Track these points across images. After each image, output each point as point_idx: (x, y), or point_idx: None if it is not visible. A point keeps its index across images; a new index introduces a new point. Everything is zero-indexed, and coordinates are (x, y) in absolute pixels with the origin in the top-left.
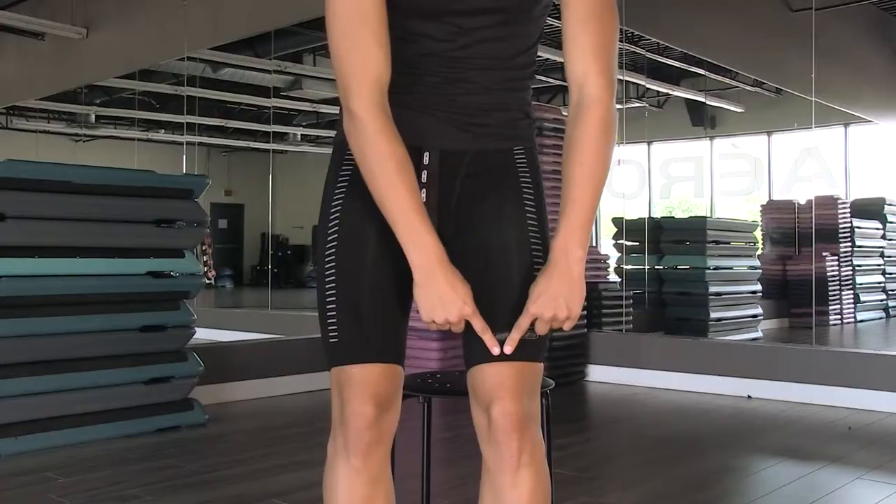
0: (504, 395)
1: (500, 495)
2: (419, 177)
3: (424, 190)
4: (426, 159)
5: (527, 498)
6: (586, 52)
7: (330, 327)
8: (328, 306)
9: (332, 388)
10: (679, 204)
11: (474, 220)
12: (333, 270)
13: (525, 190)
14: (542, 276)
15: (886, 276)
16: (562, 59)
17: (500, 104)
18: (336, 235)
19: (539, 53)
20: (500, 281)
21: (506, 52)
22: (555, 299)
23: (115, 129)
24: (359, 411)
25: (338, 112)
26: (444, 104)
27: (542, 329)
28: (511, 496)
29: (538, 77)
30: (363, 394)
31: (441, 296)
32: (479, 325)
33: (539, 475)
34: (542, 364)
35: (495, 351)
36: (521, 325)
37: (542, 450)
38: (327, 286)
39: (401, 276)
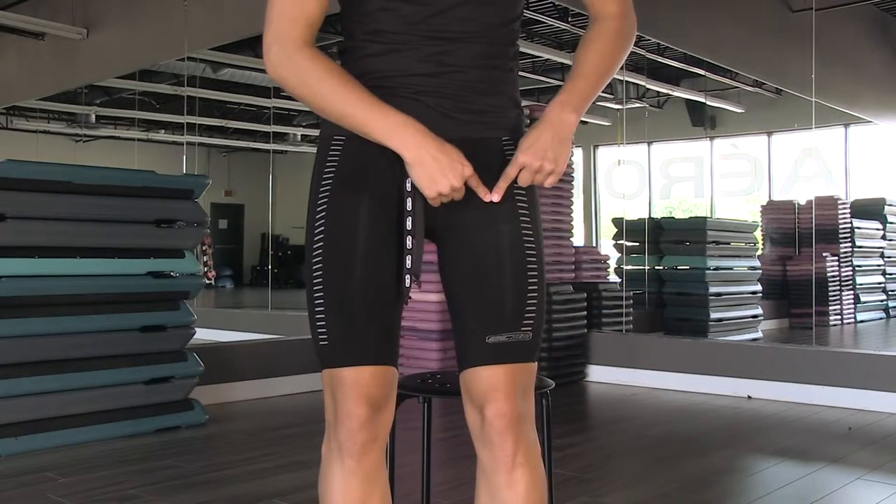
0: (497, 396)
1: (496, 495)
2: (403, 165)
3: (409, 179)
4: None
5: (523, 497)
6: None
7: (319, 329)
8: (317, 307)
9: (324, 389)
10: (679, 204)
11: (465, 219)
12: (320, 270)
13: (516, 185)
14: (534, 129)
15: (886, 276)
16: (561, 60)
17: (486, 85)
18: (322, 234)
19: (538, 53)
20: (493, 283)
21: (485, 18)
22: (544, 151)
23: (115, 129)
24: (352, 412)
25: None
26: (429, 87)
27: (525, 179)
28: (507, 496)
29: (538, 77)
30: (355, 395)
31: (440, 164)
32: (476, 181)
33: (535, 474)
34: (535, 364)
35: (488, 198)
36: (509, 173)
37: (538, 449)
38: (315, 287)
39: (391, 275)
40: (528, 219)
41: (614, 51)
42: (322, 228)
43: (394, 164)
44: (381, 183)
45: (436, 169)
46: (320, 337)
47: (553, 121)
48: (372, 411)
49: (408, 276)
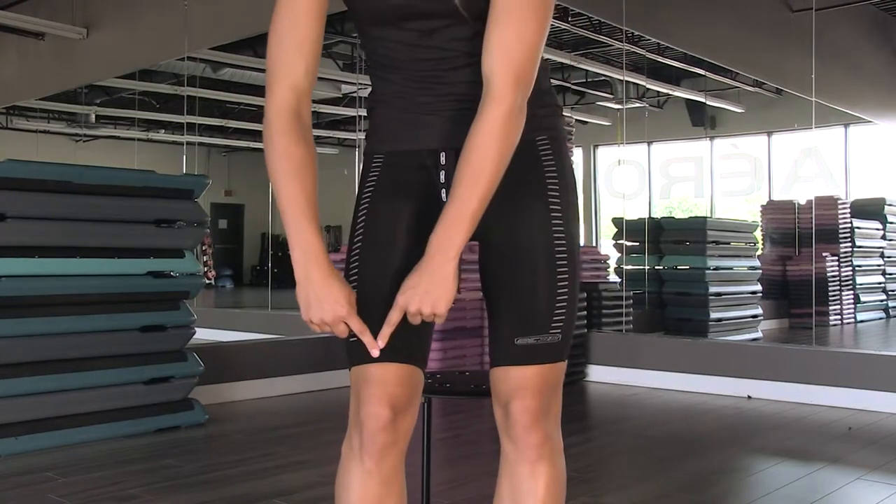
0: (524, 394)
1: (518, 486)
2: (437, 178)
3: (444, 190)
4: (443, 159)
5: (543, 489)
6: (495, 49)
7: None
8: None
9: (351, 389)
10: (679, 204)
11: (499, 221)
12: (357, 269)
13: (550, 184)
14: (415, 270)
15: (886, 276)
16: (561, 60)
17: None
18: (362, 236)
19: None
20: (523, 287)
21: (477, 34)
22: (421, 296)
23: (115, 129)
24: (374, 413)
25: (338, 113)
26: (451, 104)
27: (412, 321)
28: (528, 486)
29: None
30: (379, 395)
31: (317, 295)
32: (358, 327)
33: (556, 469)
34: (564, 363)
35: (374, 353)
36: (391, 318)
37: (560, 445)
38: (350, 283)
39: None
40: (561, 221)
41: (491, 157)
42: (362, 228)
43: (432, 174)
44: (421, 190)
45: (313, 299)
46: (350, 333)
47: (432, 262)
48: (395, 413)
49: None
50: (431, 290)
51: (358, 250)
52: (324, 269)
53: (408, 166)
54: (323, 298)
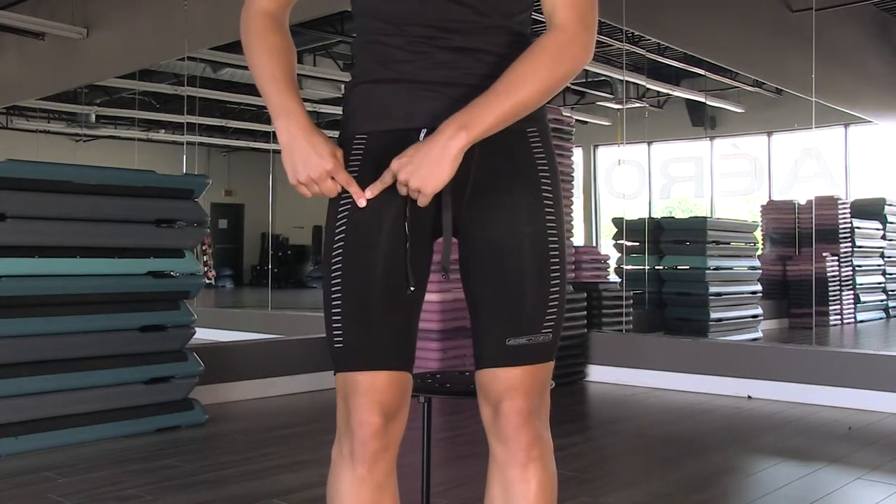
0: (515, 395)
1: (510, 488)
2: None
3: None
4: None
5: (535, 491)
6: None
7: (335, 332)
8: (334, 310)
9: (337, 394)
10: (679, 204)
11: (490, 213)
12: (340, 272)
13: (542, 178)
14: (423, 142)
15: (886, 276)
16: None
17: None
18: (344, 236)
19: None
20: (515, 286)
21: (490, 4)
22: (413, 168)
23: (115, 129)
24: (365, 421)
25: (338, 113)
26: (455, 78)
27: (399, 190)
28: (520, 489)
29: None
30: (369, 402)
31: (302, 154)
32: (344, 178)
33: (547, 470)
34: (552, 362)
35: (361, 202)
36: (385, 179)
37: (551, 446)
38: (333, 289)
39: (413, 279)
40: (554, 218)
41: (546, 70)
42: (343, 227)
43: None
44: None
45: (298, 160)
46: (335, 339)
47: (440, 141)
48: (385, 420)
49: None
50: (424, 166)
51: (340, 255)
52: (306, 129)
53: (393, 150)
54: (307, 155)
